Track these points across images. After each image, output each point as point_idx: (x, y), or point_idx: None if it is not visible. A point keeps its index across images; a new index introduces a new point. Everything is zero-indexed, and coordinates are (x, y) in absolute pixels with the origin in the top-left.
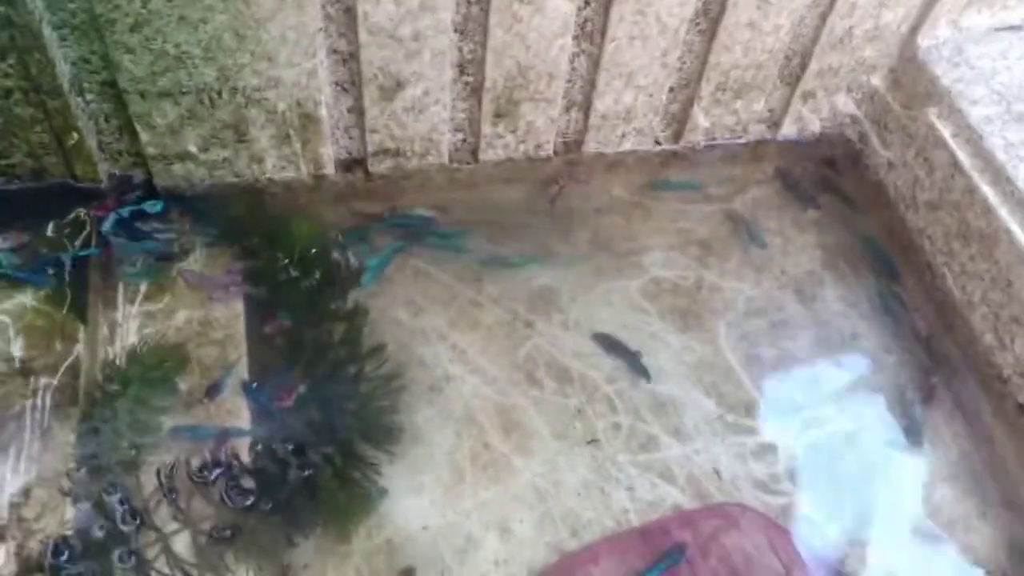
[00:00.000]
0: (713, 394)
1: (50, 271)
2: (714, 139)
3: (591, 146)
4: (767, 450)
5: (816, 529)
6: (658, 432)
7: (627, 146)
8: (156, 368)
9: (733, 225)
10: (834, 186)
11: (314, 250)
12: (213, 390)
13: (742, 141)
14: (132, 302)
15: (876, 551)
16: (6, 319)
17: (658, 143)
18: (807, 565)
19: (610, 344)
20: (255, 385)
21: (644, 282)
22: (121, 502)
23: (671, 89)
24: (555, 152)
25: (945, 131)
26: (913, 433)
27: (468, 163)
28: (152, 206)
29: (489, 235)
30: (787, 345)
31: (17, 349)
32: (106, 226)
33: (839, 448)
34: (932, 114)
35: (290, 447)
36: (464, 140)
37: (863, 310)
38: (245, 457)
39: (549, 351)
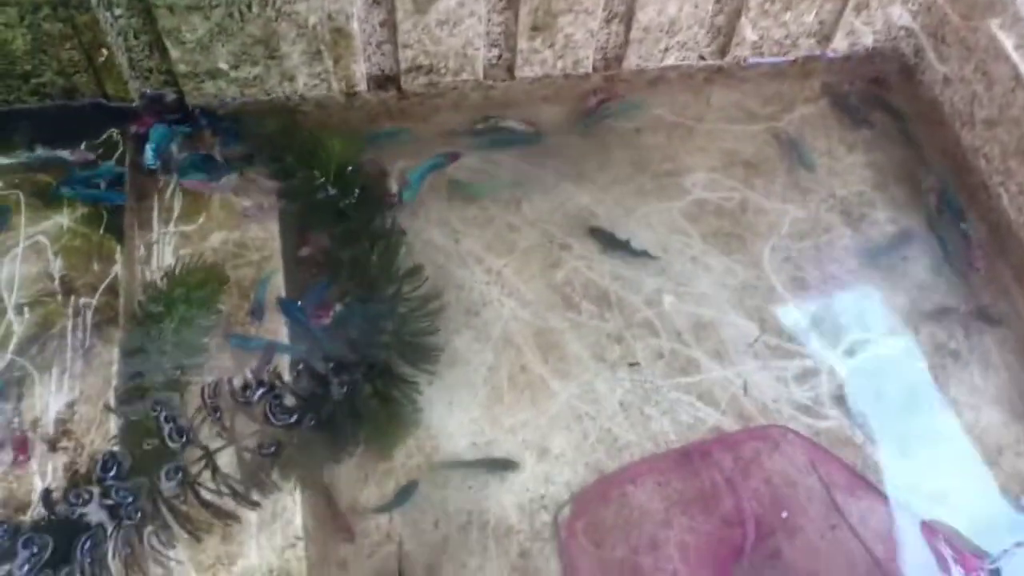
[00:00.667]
0: (756, 318)
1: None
2: (761, 54)
3: (632, 61)
4: (810, 374)
5: (859, 452)
6: (699, 355)
7: (670, 61)
8: (198, 288)
9: (779, 145)
10: (886, 104)
11: (350, 168)
12: (258, 311)
13: (790, 57)
14: (167, 223)
15: (920, 475)
16: (44, 240)
17: (702, 58)
18: (850, 488)
19: (605, 238)
20: (298, 303)
21: (686, 204)
22: (167, 419)
23: None
24: (594, 68)
25: (1007, 42)
26: (960, 357)
27: (504, 80)
28: (183, 127)
29: (525, 156)
30: (833, 268)
31: (56, 269)
32: (148, 157)
33: (884, 372)
34: (994, 25)
35: (331, 366)
36: (500, 56)
37: (913, 232)
38: (287, 376)
39: (586, 274)
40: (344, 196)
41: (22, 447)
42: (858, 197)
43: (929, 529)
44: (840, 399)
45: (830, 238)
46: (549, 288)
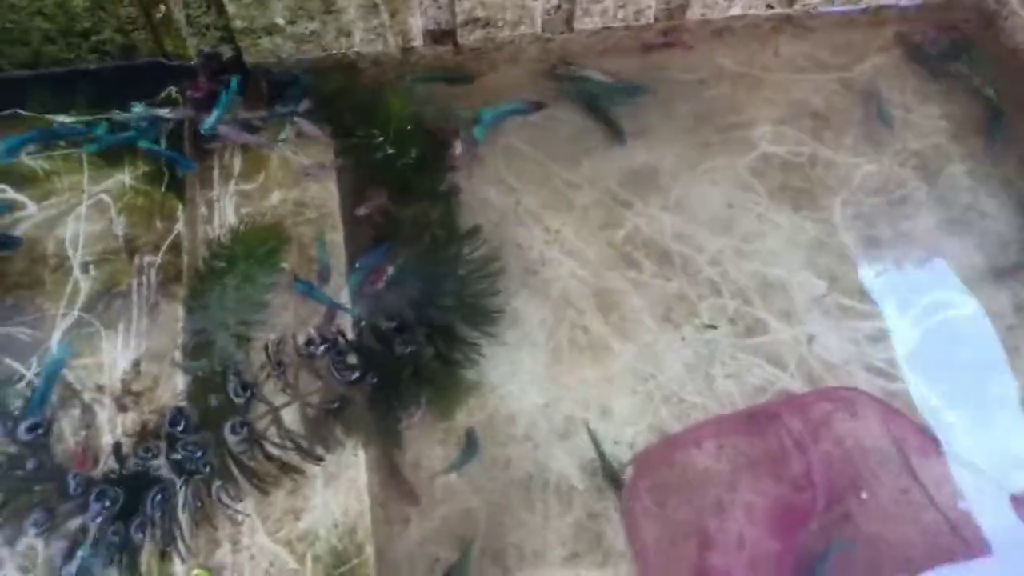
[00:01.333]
0: (826, 276)
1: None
2: (831, 2)
3: (696, 11)
4: (883, 334)
5: (932, 415)
6: (766, 315)
7: (735, 10)
8: (260, 246)
9: (851, 96)
10: (963, 53)
11: (408, 127)
12: (325, 273)
13: (862, 5)
14: (227, 181)
15: (997, 439)
16: (107, 198)
17: (770, 7)
18: (924, 451)
19: None
20: (357, 265)
21: (752, 158)
22: (232, 375)
23: None
24: (656, 19)
25: None
26: None
27: (562, 32)
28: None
29: (583, 109)
30: (907, 225)
31: (120, 227)
32: (208, 124)
33: (960, 333)
34: None
35: (393, 326)
36: (558, 7)
37: (992, 188)
38: (350, 334)
39: (648, 233)
40: (402, 155)
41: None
42: (934, 150)
43: (1015, 499)
44: (914, 361)
45: (904, 193)
46: (609, 247)
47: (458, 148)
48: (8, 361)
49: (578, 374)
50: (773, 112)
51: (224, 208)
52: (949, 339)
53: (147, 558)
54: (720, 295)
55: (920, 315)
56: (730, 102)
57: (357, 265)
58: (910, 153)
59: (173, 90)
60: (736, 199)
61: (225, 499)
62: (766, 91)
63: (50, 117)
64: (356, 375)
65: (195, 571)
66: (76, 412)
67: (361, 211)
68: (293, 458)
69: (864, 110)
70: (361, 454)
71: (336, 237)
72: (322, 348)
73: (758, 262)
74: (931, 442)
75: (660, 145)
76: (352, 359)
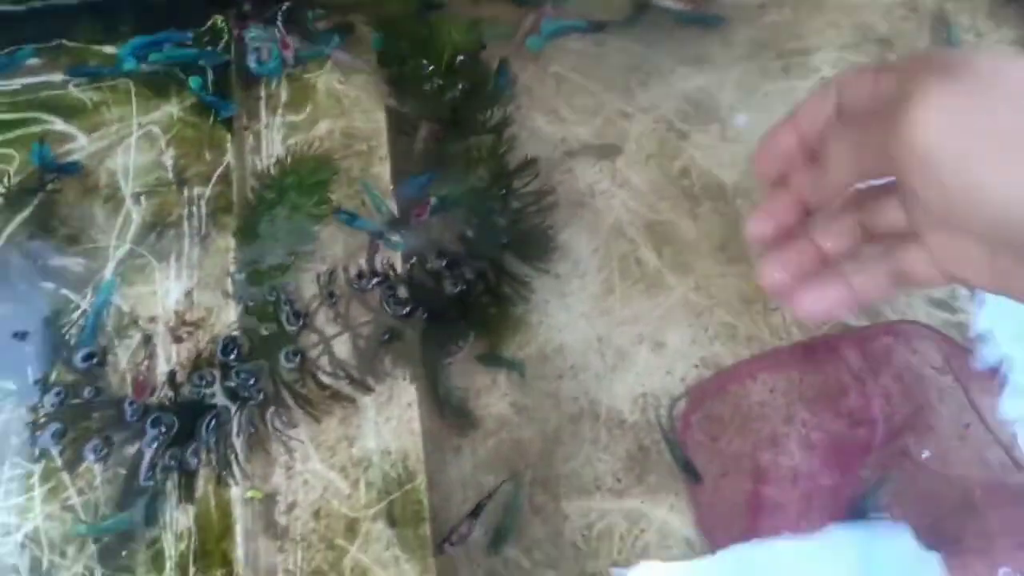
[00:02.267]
0: None
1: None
2: None
3: None
4: None
5: (996, 349)
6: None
7: None
8: (309, 177)
9: (918, 19)
10: None
11: (461, 58)
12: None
13: None
14: (274, 112)
15: None
16: (156, 129)
17: None
18: (987, 387)
19: None
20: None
21: (814, 85)
22: (284, 304)
23: None
24: None
25: None
26: None
27: None
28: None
29: (637, 36)
30: None
31: (169, 159)
32: (253, 65)
33: None
34: None
35: (443, 261)
36: None
37: None
38: (400, 268)
39: (704, 164)
40: (453, 87)
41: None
42: None
43: None
44: (978, 293)
45: None
46: (664, 178)
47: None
48: (64, 291)
49: (630, 307)
50: (836, 37)
51: (272, 139)
52: None
53: (203, 482)
54: None
55: None
56: (791, 27)
57: (398, 195)
58: None
59: (219, 19)
60: None
61: (279, 425)
62: (829, 15)
63: (96, 47)
64: (407, 309)
65: (249, 492)
66: (131, 342)
67: (415, 144)
68: (344, 387)
69: (932, 35)
70: (411, 384)
71: (383, 170)
72: (373, 282)
73: None
74: (994, 377)
75: (717, 72)
76: (403, 293)
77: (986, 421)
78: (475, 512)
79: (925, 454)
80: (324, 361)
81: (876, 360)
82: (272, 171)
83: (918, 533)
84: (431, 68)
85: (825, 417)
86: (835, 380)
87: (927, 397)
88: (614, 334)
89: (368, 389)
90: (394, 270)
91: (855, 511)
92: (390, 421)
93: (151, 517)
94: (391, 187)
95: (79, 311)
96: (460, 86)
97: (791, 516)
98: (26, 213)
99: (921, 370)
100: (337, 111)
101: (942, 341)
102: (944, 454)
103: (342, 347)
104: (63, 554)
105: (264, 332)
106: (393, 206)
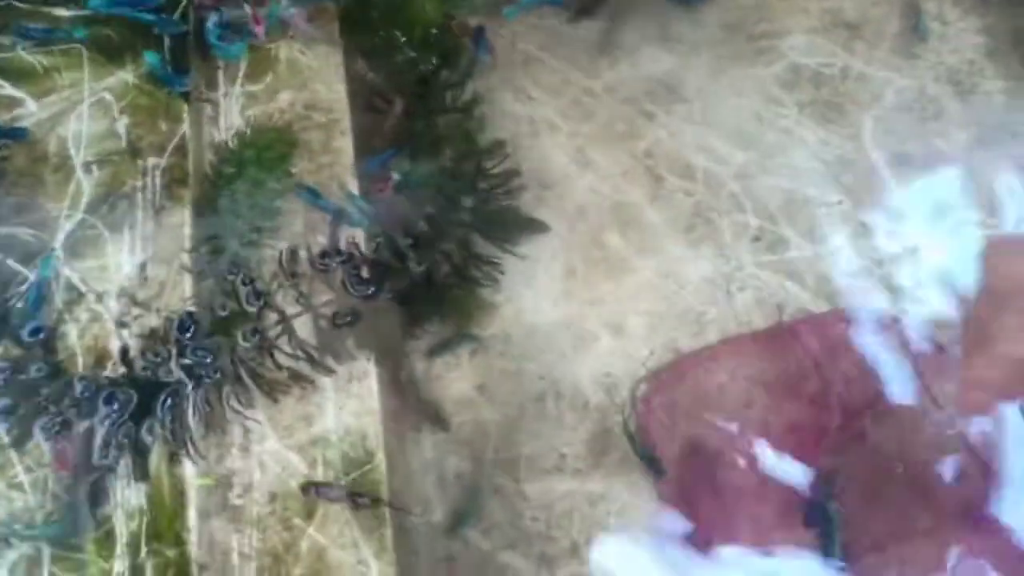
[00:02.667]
0: (852, 193)
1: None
2: None
3: None
4: (907, 253)
5: (957, 336)
6: (789, 233)
7: None
8: (269, 151)
9: (887, 6)
10: None
11: (434, 30)
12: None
13: None
14: (233, 82)
15: None
16: (109, 96)
17: None
18: (944, 372)
19: None
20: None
21: (781, 69)
22: (244, 282)
23: None
24: None
25: None
26: None
27: None
28: None
29: (606, 14)
30: (939, 143)
31: (122, 127)
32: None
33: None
34: None
35: (409, 242)
36: None
37: None
38: (364, 248)
39: (670, 145)
40: (424, 60)
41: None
42: (968, 65)
43: None
44: (941, 281)
45: (936, 110)
46: (630, 159)
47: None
48: (10, 262)
49: (594, 290)
50: (805, 21)
51: (230, 109)
52: (978, 259)
53: (157, 460)
54: (743, 211)
55: (948, 234)
56: (761, 10)
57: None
58: (946, 68)
59: None
60: (763, 111)
61: (236, 405)
62: None
63: (47, 9)
64: (370, 290)
65: (200, 480)
66: (82, 317)
67: (382, 119)
68: (304, 368)
69: (900, 22)
70: (372, 366)
71: (344, 143)
72: (337, 261)
73: (783, 178)
74: (951, 363)
75: (686, 54)
76: (366, 273)
77: (942, 406)
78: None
79: (881, 437)
80: (284, 341)
81: (835, 346)
82: (231, 144)
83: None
84: (403, 39)
85: (784, 401)
86: (795, 365)
87: (884, 382)
88: (578, 316)
89: (329, 371)
90: (358, 249)
91: (811, 495)
92: (350, 401)
93: (99, 498)
94: (351, 161)
95: (27, 283)
96: (433, 59)
97: (750, 498)
98: None
99: (880, 356)
100: (298, 82)
101: (899, 327)
102: (900, 437)
103: (303, 327)
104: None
105: (222, 310)
106: (355, 184)
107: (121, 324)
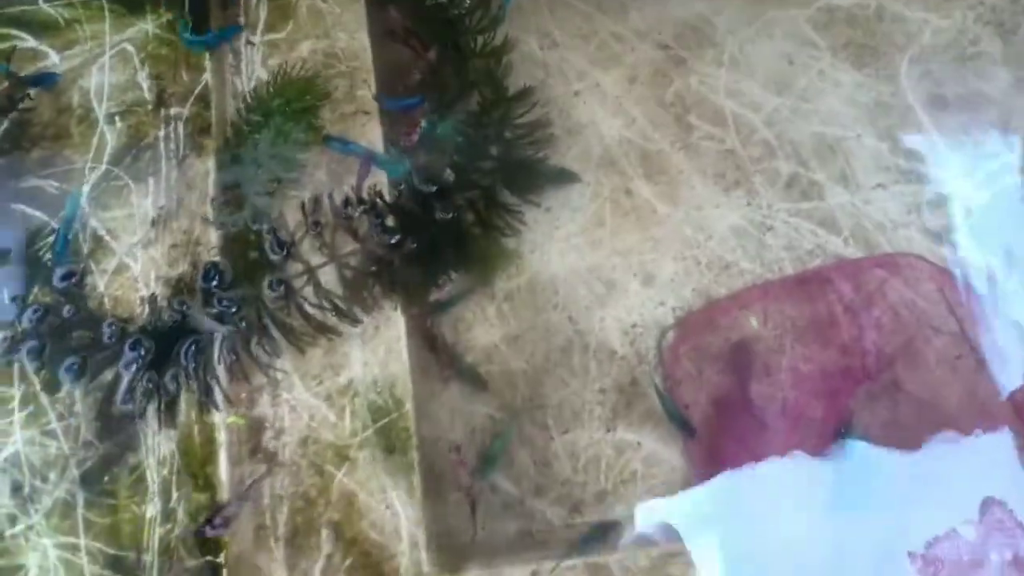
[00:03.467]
0: (888, 138)
1: None
2: None
3: None
4: (944, 200)
5: (993, 284)
6: (822, 178)
7: None
8: (295, 100)
9: None
10: None
11: None
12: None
13: None
14: (254, 30)
15: None
16: (131, 47)
17: None
18: (980, 320)
19: None
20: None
21: (814, 11)
22: (268, 232)
23: None
24: None
25: None
26: None
27: None
28: None
29: None
30: (979, 85)
31: (144, 78)
32: None
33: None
34: None
35: (433, 189)
36: None
37: None
38: (388, 196)
39: (700, 90)
40: (456, 2)
41: None
42: (1011, 5)
43: None
44: (975, 227)
45: (976, 51)
46: (658, 105)
47: None
48: (38, 214)
49: (622, 239)
50: None
51: (252, 59)
52: (1014, 206)
53: (186, 408)
54: (775, 157)
55: (985, 180)
56: None
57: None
58: (986, 7)
59: None
60: (796, 54)
61: (262, 355)
62: None
63: None
64: (395, 239)
65: (231, 419)
66: (108, 266)
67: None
68: (330, 318)
69: None
70: (399, 315)
71: (368, 93)
72: (360, 210)
73: (816, 122)
74: (987, 310)
75: None
76: (391, 222)
77: (977, 353)
78: (246, 495)
79: (915, 385)
80: (309, 291)
81: (869, 292)
82: (258, 92)
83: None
84: None
85: (816, 348)
86: (827, 312)
87: (920, 329)
88: (605, 266)
89: (355, 321)
90: (382, 198)
91: (840, 440)
92: (377, 351)
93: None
94: (377, 109)
95: (55, 234)
96: (465, 2)
97: (780, 444)
98: None
99: (916, 303)
100: (320, 30)
101: (937, 274)
102: (934, 385)
103: (328, 277)
104: (44, 479)
105: (247, 260)
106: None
107: (153, 261)
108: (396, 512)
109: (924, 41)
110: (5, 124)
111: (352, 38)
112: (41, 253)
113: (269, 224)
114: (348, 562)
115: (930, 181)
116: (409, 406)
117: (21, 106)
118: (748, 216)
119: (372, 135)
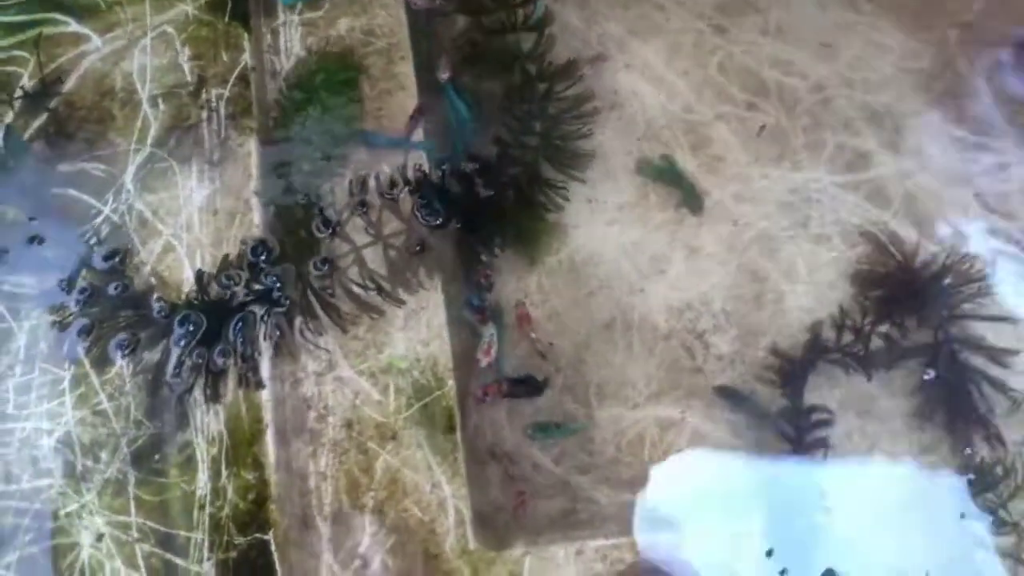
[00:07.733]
0: (939, 105)
1: None
2: None
3: None
4: (1000, 168)
5: None
6: (872, 147)
7: None
8: (337, 75)
9: None
10: None
11: None
12: (420, 110)
13: None
14: (292, 8)
15: None
16: (171, 29)
17: None
18: None
19: None
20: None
21: None
22: (314, 210)
23: None
24: None
25: None
26: None
27: None
28: None
29: None
30: None
31: (185, 59)
32: None
33: None
34: None
35: (476, 168)
36: None
37: None
38: (433, 176)
39: (743, 61)
40: None
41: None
42: None
43: None
44: None
45: None
46: (702, 78)
47: None
48: (85, 197)
49: (665, 213)
50: None
51: (290, 37)
52: None
53: (232, 385)
54: (821, 127)
55: None
56: None
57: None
58: None
59: None
60: (842, 20)
61: (306, 332)
62: None
63: None
64: (439, 220)
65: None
66: (154, 246)
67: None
68: (374, 298)
69: None
70: (441, 295)
71: (406, 68)
72: (405, 191)
73: (864, 91)
74: None
75: None
76: (436, 204)
77: None
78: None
79: None
80: (354, 271)
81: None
82: (299, 70)
83: None
84: None
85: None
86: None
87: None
88: (648, 241)
89: (399, 301)
90: (426, 176)
91: None
92: (419, 330)
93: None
94: (415, 87)
95: (101, 216)
96: None
97: None
98: (43, 118)
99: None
100: (357, 7)
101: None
102: None
103: (373, 256)
104: (96, 458)
105: (293, 238)
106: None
107: (200, 240)
108: (441, 490)
109: (976, 5)
110: (51, 108)
111: (389, 14)
112: (87, 237)
113: (316, 202)
114: (392, 540)
115: (986, 149)
116: (451, 384)
117: (64, 91)
118: (793, 190)
119: (410, 111)
